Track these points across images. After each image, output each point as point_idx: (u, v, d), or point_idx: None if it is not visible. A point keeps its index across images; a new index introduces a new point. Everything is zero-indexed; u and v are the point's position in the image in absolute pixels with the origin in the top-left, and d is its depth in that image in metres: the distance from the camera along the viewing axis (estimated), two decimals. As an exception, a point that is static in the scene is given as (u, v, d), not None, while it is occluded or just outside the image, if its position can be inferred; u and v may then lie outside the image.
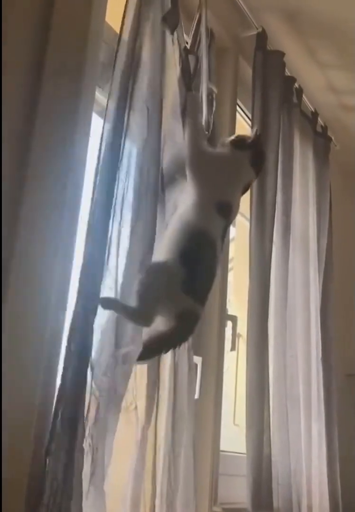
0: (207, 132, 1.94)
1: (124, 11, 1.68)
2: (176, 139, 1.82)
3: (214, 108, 2.02)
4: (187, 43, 1.99)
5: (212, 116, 2.01)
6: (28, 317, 1.37)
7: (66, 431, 1.35)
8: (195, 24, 2.06)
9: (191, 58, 1.95)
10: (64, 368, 1.39)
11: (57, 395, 1.38)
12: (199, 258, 1.67)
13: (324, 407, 2.70)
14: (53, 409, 1.37)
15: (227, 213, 1.75)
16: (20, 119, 1.42)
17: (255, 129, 1.89)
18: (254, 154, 1.82)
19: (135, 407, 1.68)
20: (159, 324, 1.64)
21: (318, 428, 2.64)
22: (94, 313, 1.46)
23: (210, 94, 2.02)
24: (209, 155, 1.82)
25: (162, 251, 1.66)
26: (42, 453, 1.34)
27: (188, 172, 1.75)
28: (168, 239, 1.68)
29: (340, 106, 3.14)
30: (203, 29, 2.02)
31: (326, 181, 3.03)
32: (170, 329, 1.63)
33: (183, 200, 1.75)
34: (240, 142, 1.83)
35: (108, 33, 1.82)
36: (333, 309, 2.94)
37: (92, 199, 1.52)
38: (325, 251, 2.92)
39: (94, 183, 1.53)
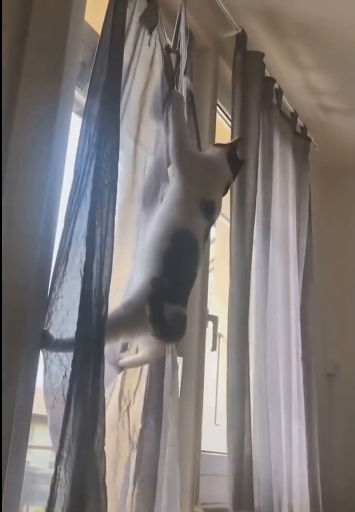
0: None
1: (107, 10, 1.66)
2: (158, 140, 1.82)
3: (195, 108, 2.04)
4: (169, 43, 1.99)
5: (192, 116, 2.02)
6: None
7: None
8: (176, 24, 2.06)
9: (173, 57, 1.94)
10: None
11: None
12: (181, 259, 1.67)
13: (304, 406, 2.72)
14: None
15: (211, 212, 1.77)
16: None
17: (237, 137, 1.95)
18: (231, 153, 1.88)
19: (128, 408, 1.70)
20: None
21: (298, 427, 2.66)
22: None
23: (189, 95, 2.03)
24: (194, 153, 1.87)
25: (144, 259, 1.66)
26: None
27: (173, 169, 1.76)
28: (149, 246, 1.67)
29: (319, 107, 3.16)
30: (182, 29, 2.03)
31: (306, 181, 3.04)
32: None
33: (164, 200, 1.75)
34: (218, 143, 1.94)
35: (87, 33, 1.81)
36: (313, 308, 2.96)
37: (71, 200, 1.50)
38: (305, 251, 2.94)
39: (74, 182, 1.52)
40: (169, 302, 1.62)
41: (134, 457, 1.69)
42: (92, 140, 1.53)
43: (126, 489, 1.66)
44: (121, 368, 1.70)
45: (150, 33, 1.83)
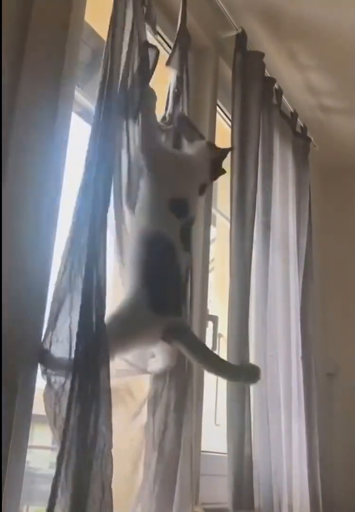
0: (170, 126, 1.94)
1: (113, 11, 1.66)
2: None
3: (183, 104, 2.01)
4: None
5: (181, 110, 1.99)
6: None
7: None
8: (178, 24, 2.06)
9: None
10: None
11: None
12: (161, 266, 1.64)
13: (304, 406, 2.72)
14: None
15: (182, 211, 1.72)
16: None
17: (229, 147, 2.02)
18: (216, 160, 1.88)
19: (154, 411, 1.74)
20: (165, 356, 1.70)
21: (298, 427, 2.65)
22: None
23: (176, 88, 1.99)
24: (164, 151, 1.81)
25: (128, 270, 1.66)
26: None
27: (143, 168, 1.72)
28: (130, 259, 1.66)
29: (319, 107, 3.16)
30: (179, 27, 2.03)
31: (306, 181, 3.04)
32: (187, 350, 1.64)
33: (138, 201, 1.72)
34: (211, 144, 1.97)
35: (87, 33, 1.81)
36: (312, 308, 2.96)
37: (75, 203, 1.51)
38: (305, 251, 2.94)
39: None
40: (157, 314, 1.59)
41: (155, 458, 1.71)
42: (96, 147, 1.54)
43: (146, 489, 1.67)
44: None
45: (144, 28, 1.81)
